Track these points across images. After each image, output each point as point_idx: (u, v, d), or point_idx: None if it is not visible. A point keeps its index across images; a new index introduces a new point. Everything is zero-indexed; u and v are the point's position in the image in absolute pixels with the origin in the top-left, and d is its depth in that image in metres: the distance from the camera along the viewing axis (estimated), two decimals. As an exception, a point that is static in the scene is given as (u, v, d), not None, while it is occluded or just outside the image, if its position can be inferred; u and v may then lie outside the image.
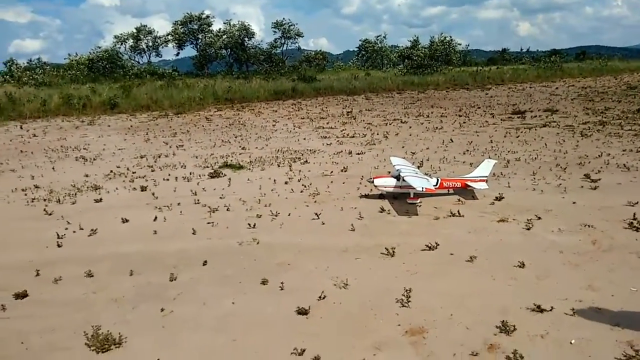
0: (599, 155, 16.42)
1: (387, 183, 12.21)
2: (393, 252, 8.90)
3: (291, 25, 71.98)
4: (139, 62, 65.92)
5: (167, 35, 67.70)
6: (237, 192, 13.56)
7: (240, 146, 20.89)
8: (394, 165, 12.94)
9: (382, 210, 11.38)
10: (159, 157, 18.78)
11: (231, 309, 7.24)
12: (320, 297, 7.35)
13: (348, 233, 10.17)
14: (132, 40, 65.69)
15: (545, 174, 14.24)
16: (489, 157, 14.08)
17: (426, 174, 13.02)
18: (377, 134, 22.82)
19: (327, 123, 27.41)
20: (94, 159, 18.41)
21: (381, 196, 12.39)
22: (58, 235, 10.25)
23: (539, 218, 10.38)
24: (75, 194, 13.60)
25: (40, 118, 30.25)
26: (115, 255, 9.35)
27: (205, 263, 8.80)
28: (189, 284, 8.05)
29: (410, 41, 69.87)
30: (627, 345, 5.68)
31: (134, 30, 65.54)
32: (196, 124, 28.03)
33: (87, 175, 15.72)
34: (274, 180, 14.70)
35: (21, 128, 26.77)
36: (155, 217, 11.37)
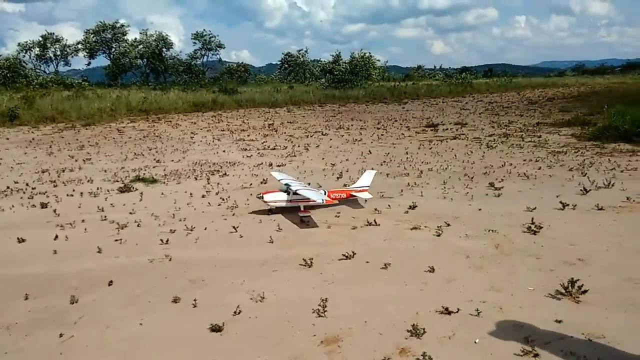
0: (502, 165, 17.69)
1: (277, 198, 11.91)
2: (311, 262, 8.87)
3: (212, 36, 71.12)
4: (45, 72, 61.42)
5: (78, 44, 63.90)
6: (150, 207, 12.92)
7: (154, 159, 20.02)
8: (279, 180, 12.96)
9: (302, 221, 11.36)
10: (63, 171, 17.46)
11: (138, 330, 6.79)
12: (235, 312, 7.12)
13: (266, 245, 10.01)
14: (38, 49, 61.15)
15: (455, 183, 15.06)
16: (371, 168, 14.23)
17: (309, 185, 13.03)
18: (298, 146, 22.95)
19: (248, 135, 27.16)
20: (-12, 175, 16.72)
21: (271, 211, 12.06)
22: (-62, 259, 9.11)
23: (448, 225, 10.89)
24: (-37, 213, 12.21)
25: None
26: (9, 277, 8.47)
27: (110, 283, 8.22)
28: (92, 306, 7.45)
29: (332, 56, 71.66)
30: (525, 341, 6.05)
31: (40, 38, 61.06)
32: (106, 136, 26.50)
33: (-23, 192, 14.21)
34: (190, 194, 14.20)
35: None
36: (56, 236, 10.48)
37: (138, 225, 11.31)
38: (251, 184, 15.52)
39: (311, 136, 26.34)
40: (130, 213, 12.28)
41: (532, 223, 10.68)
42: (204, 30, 71.52)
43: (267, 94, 50.64)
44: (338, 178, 16.05)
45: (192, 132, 28.37)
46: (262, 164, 18.93)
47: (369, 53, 69.61)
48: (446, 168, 17.48)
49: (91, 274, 8.62)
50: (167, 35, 66.72)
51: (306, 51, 78.28)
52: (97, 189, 14.80)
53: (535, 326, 6.54)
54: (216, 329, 6.69)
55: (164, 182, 15.84)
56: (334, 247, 9.75)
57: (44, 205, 12.87)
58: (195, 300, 7.45)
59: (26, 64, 57.29)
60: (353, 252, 9.19)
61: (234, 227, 10.99)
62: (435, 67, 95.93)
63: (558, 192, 13.44)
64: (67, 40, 63.72)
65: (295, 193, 11.74)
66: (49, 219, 11.79)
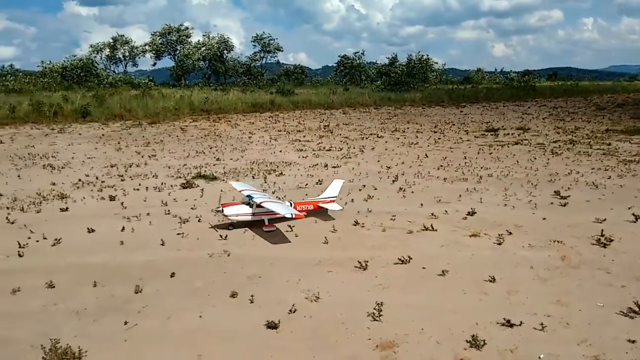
0: (568, 173, 16.79)
1: (239, 211, 10.93)
2: (366, 265, 8.82)
3: (271, 39, 72.33)
4: (114, 72, 64.96)
5: (145, 45, 67.07)
6: (210, 203, 13.30)
7: (214, 157, 20.63)
8: (239, 191, 11.96)
9: (356, 223, 11.32)
10: (130, 166, 18.36)
11: (198, 322, 7.01)
12: (290, 310, 7.19)
13: (321, 246, 10.05)
14: (108, 50, 64.79)
15: (517, 190, 14.45)
16: (337, 178, 13.14)
17: (278, 198, 12.08)
18: (354, 148, 22.89)
19: (304, 136, 27.40)
20: (62, 167, 17.88)
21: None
22: (20, 244, 9.83)
23: (510, 233, 10.48)
24: (41, 203, 13.13)
25: (8, 125, 29.33)
26: (79, 265, 9.01)
27: (173, 275, 8.55)
28: (154, 297, 7.78)
29: (389, 58, 70.94)
30: (594, 360, 5.70)
31: (111, 40, 64.68)
32: (170, 134, 27.62)
33: (54, 184, 15.22)
34: (248, 192, 14.52)
35: (-13, 134, 25.89)
36: (123, 228, 11.04)
37: (199, 221, 11.70)
38: (306, 184, 15.64)
39: (366, 138, 26.20)
40: (192, 208, 12.71)
41: (602, 235, 10.06)
42: (264, 32, 73.08)
43: (323, 95, 50.92)
44: (394, 181, 15.86)
45: (250, 132, 29.01)
46: (317, 164, 19.03)
47: (427, 55, 68.41)
48: (507, 174, 16.82)
49: (154, 265, 9.00)
50: (228, 37, 68.91)
51: (362, 53, 77.98)
52: (162, 184, 15.45)
53: (606, 345, 6.15)
54: (272, 325, 6.79)
55: (224, 180, 16.28)
56: (389, 250, 9.64)
57: (112, 198, 13.60)
58: (252, 296, 7.60)
59: (98, 65, 60.95)
60: (409, 257, 9.03)
61: (289, 226, 11.12)
62: (495, 69, 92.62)
63: (630, 203, 12.60)
64: (135, 42, 67.22)
65: (259, 206, 10.84)
66: (116, 211, 12.44)
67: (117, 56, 66.55)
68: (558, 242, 9.97)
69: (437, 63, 73.32)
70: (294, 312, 7.19)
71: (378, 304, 7.14)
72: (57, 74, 51.91)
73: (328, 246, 10.02)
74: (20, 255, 9.45)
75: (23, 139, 24.96)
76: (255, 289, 7.93)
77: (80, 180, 15.88)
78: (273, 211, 10.52)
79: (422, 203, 12.40)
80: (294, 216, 10.19)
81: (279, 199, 11.72)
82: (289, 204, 11.37)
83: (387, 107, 46.74)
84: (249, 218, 11.00)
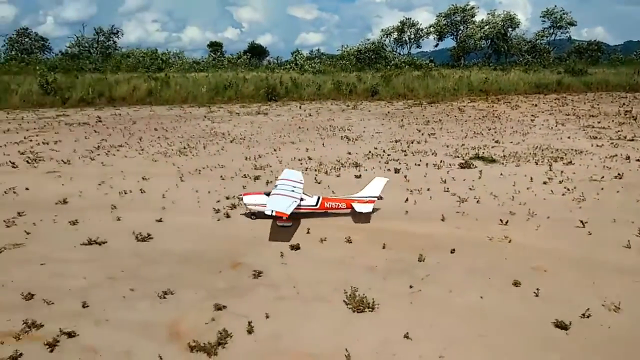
0: None
1: (257, 201, 10.27)
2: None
3: (563, 12, 64.26)
4: (399, 54, 69.08)
5: (429, 27, 68.91)
6: (488, 185, 13.03)
7: (493, 139, 19.95)
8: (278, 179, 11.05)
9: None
10: (412, 143, 19.45)
11: (479, 303, 7.06)
12: (584, 314, 6.52)
13: (623, 250, 8.69)
14: (396, 33, 69.17)
15: None
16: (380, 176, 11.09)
17: (305, 193, 10.45)
18: (671, 140, 18.63)
19: (599, 122, 23.77)
20: (356, 140, 20.27)
21: (254, 215, 10.45)
22: (325, 201, 11.71)
23: None
24: (339, 168, 15.27)
25: (314, 100, 34.95)
26: (372, 227, 10.16)
27: (453, 251, 8.79)
28: (436, 268, 8.18)
29: None
30: None
31: (399, 24, 68.77)
32: (448, 114, 27.94)
33: (349, 153, 17.44)
34: (531, 178, 13.59)
35: (300, 108, 31.41)
36: (407, 199, 11.87)
37: (477, 202, 11.63)
38: (602, 177, 13.62)
39: (692, 129, 20.89)
40: (470, 189, 12.71)
41: None
42: (555, 7, 65.38)
43: (624, 76, 42.70)
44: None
45: (532, 115, 26.84)
46: (616, 155, 16.31)
47: None
48: None
49: (435, 239, 9.42)
50: (514, 14, 64.57)
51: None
52: (440, 162, 15.90)
53: None
54: (561, 325, 6.30)
55: (503, 163, 15.66)
56: None
57: (396, 171, 14.75)
58: (537, 289, 7.18)
59: (386, 47, 65.98)
60: None
61: (581, 221, 9.96)
62: None
63: None
64: (420, 24, 69.81)
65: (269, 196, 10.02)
66: (400, 183, 13.44)
67: (404, 39, 70.39)
68: None
69: None
70: (588, 317, 6.48)
71: None
72: (353, 56, 58.49)
73: (632, 251, 8.59)
74: (325, 211, 11.27)
75: (325, 112, 29.33)
76: (541, 282, 7.46)
77: (370, 152, 17.72)
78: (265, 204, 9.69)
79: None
80: (274, 213, 9.15)
81: (307, 195, 10.56)
82: (317, 199, 10.54)
83: None
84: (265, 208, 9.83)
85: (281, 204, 9.49)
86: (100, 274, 8.06)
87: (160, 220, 10.53)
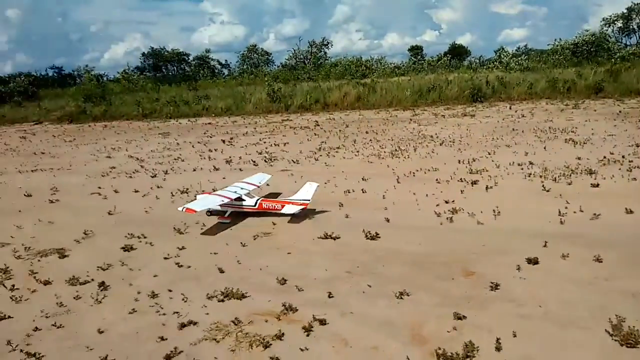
0: None
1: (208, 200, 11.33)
2: None
3: None
4: (626, 45, 58.85)
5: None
6: None
7: None
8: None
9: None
10: None
11: None
12: None
13: None
14: (621, 21, 59.13)
15: None
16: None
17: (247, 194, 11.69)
18: None
19: None
20: (584, 143, 17.85)
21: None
22: (560, 212, 10.56)
23: None
24: (570, 175, 13.62)
25: (525, 100, 32.04)
26: (625, 245, 8.75)
27: None
28: None
29: None
30: None
31: (625, 10, 58.59)
32: None
33: (578, 158, 15.43)
34: None
35: (510, 108, 29.16)
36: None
37: None
38: None
39: None
40: None
41: None
42: None
43: None
44: None
45: None
46: None
47: None
48: None
49: None
50: None
51: None
52: None
53: None
54: None
55: None
56: None
57: (647, 181, 12.47)
58: None
59: (610, 38, 56.69)
60: None
61: None
62: None
63: None
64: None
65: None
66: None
67: (631, 27, 59.90)
68: None
69: None
70: None
71: None
72: (568, 50, 52.09)
73: None
74: (561, 223, 10.14)
75: (541, 113, 26.65)
76: None
77: (604, 157, 15.38)
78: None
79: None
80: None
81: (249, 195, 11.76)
82: (256, 201, 11.50)
83: None
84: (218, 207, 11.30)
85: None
86: (338, 267, 8.69)
87: (387, 221, 10.88)
